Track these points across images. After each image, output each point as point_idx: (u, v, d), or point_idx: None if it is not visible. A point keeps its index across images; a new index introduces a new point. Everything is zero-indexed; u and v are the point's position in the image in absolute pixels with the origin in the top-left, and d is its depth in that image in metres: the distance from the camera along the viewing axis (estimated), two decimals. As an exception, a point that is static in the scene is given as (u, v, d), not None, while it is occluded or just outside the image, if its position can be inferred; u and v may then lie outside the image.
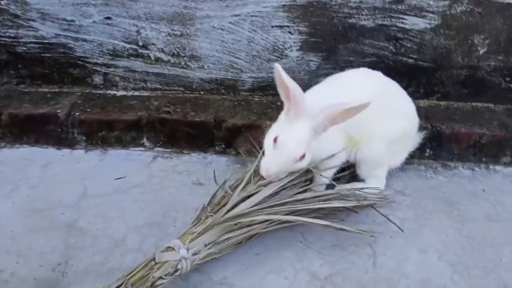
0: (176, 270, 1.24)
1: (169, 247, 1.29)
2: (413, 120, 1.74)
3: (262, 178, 1.43)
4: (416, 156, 1.91)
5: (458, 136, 1.91)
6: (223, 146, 1.95)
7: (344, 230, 1.41)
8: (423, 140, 1.85)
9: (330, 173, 1.60)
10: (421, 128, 1.81)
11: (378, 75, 1.70)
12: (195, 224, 1.38)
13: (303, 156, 1.41)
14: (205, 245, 1.31)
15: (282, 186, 1.44)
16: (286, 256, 1.44)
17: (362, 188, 1.61)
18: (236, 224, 1.34)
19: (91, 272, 1.35)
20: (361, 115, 1.44)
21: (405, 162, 1.81)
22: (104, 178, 1.76)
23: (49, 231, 1.49)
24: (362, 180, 1.70)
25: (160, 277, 1.20)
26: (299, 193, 1.49)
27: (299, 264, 1.42)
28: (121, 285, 1.17)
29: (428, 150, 1.94)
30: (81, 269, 1.35)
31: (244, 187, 1.43)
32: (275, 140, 1.41)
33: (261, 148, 1.50)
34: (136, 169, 1.82)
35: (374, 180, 1.69)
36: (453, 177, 1.88)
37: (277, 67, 1.39)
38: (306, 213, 1.45)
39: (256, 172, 1.46)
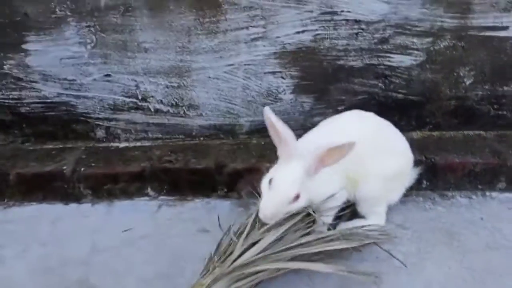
0: None
1: None
2: (408, 157, 1.80)
3: (264, 223, 1.49)
4: (414, 188, 1.96)
5: (453, 166, 1.97)
6: (225, 190, 2.00)
7: (350, 273, 1.45)
8: (419, 172, 1.91)
9: (332, 213, 1.65)
10: (416, 163, 1.87)
11: (371, 116, 1.77)
12: (204, 275, 1.41)
13: (297, 197, 1.45)
14: None
15: (286, 230, 1.48)
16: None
17: (363, 226, 1.66)
18: (242, 274, 1.38)
19: (105, 330, 1.39)
20: (356, 156, 1.51)
21: (404, 194, 1.85)
22: (112, 231, 1.80)
23: (63, 289, 1.54)
24: (363, 217, 1.75)
25: None
26: (302, 236, 1.53)
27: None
28: None
29: (424, 182, 1.98)
30: (95, 327, 1.39)
31: (248, 234, 1.48)
32: (270, 182, 1.47)
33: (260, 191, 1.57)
34: (142, 219, 1.87)
35: (374, 217, 1.73)
36: (451, 206, 1.92)
37: (266, 111, 1.48)
38: (311, 255, 1.49)
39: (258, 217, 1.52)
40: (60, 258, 1.67)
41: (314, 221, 1.61)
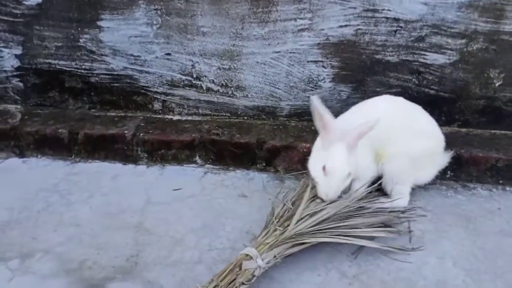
0: (253, 277, 1.46)
1: (247, 255, 1.49)
2: (437, 139, 1.97)
3: (312, 193, 1.73)
4: (438, 177, 2.12)
5: (476, 159, 2.11)
6: (264, 164, 2.22)
7: (387, 250, 1.67)
8: (453, 155, 2.06)
9: (365, 184, 1.83)
10: (448, 148, 2.03)
11: (400, 100, 1.96)
12: (265, 234, 1.60)
13: (349, 174, 1.69)
14: (274, 256, 1.53)
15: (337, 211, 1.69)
16: (319, 258, 1.68)
17: (387, 204, 1.85)
18: (300, 240, 1.58)
19: (157, 264, 1.63)
20: (383, 133, 1.74)
21: (428, 182, 2.03)
22: (164, 189, 2.06)
23: (122, 230, 1.80)
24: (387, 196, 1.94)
25: (242, 283, 1.43)
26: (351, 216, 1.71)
27: (330, 265, 1.65)
28: (215, 286, 1.40)
29: (449, 172, 2.13)
30: (150, 261, 1.64)
31: (305, 205, 1.69)
32: (323, 168, 1.68)
33: (299, 166, 1.78)
34: (190, 182, 2.12)
35: (397, 195, 1.90)
36: (471, 196, 2.07)
37: (314, 100, 1.69)
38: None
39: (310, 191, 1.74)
40: (119, 206, 1.95)
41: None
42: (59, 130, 2.27)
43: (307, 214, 1.64)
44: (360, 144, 1.71)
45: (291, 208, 1.68)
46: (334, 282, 1.58)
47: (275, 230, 1.59)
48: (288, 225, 1.59)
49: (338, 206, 1.67)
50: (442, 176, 2.12)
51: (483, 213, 1.95)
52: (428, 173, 1.99)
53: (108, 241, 1.74)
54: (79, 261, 1.65)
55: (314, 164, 1.74)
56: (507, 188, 2.12)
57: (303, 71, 2.29)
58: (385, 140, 1.82)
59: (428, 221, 1.89)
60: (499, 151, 2.14)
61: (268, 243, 1.54)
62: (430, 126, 1.96)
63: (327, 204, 1.69)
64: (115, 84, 2.42)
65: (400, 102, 1.96)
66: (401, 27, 2.14)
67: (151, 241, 1.74)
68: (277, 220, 1.64)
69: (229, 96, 2.39)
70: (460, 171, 2.14)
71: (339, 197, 1.73)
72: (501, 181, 2.13)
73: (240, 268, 1.44)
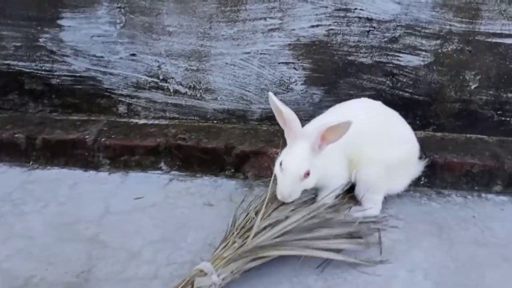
0: None
1: (201, 270, 1.40)
2: (413, 146, 1.89)
3: (278, 203, 1.61)
4: (412, 184, 2.04)
5: (451, 165, 2.05)
6: (233, 170, 2.13)
7: (354, 263, 1.58)
8: (427, 164, 1.98)
9: (333, 194, 1.73)
10: (421, 157, 1.96)
11: (377, 104, 1.88)
12: (223, 247, 1.50)
13: (307, 174, 1.57)
14: (232, 272, 1.44)
15: (300, 218, 1.58)
16: (284, 271, 1.58)
17: (358, 213, 1.76)
18: (259, 254, 1.49)
19: (110, 280, 1.52)
20: (359, 139, 1.65)
21: (401, 191, 1.95)
22: (125, 198, 1.95)
23: (75, 242, 1.69)
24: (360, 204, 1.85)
25: None
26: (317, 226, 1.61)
27: (295, 279, 1.56)
28: None
29: (423, 178, 2.06)
30: (101, 277, 1.53)
31: (265, 214, 1.58)
32: (281, 164, 1.59)
33: (269, 173, 1.69)
34: (153, 190, 2.01)
35: (369, 204, 1.83)
36: (446, 204, 2.00)
37: (271, 95, 1.60)
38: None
39: (273, 197, 1.63)
40: (75, 217, 1.83)
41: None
42: (16, 135, 2.14)
43: (269, 225, 1.54)
44: (331, 149, 1.62)
45: (254, 217, 1.59)
46: (298, 298, 1.49)
47: (234, 242, 1.50)
48: (248, 237, 1.50)
49: (303, 215, 1.58)
50: (416, 182, 2.05)
51: (457, 222, 1.88)
52: (402, 182, 1.91)
53: (59, 255, 1.63)
54: (25, 277, 1.53)
55: (276, 162, 1.65)
56: (483, 195, 2.05)
57: (274, 73, 2.20)
58: (360, 146, 1.73)
59: (400, 231, 1.81)
60: (474, 156, 2.07)
61: (225, 257, 1.44)
62: (406, 133, 1.88)
63: (291, 211, 1.59)
64: (78, 86, 2.31)
65: (377, 107, 1.87)
66: (374, 27, 2.06)
67: (105, 255, 1.63)
68: (237, 231, 1.55)
69: (198, 99, 2.29)
70: (434, 177, 2.07)
71: (306, 201, 1.64)
72: (476, 188, 2.06)
73: (193, 285, 1.35)
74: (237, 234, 1.53)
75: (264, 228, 1.53)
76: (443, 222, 1.87)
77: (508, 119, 2.19)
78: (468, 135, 2.24)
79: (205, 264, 1.41)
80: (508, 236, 1.79)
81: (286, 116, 1.59)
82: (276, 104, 1.60)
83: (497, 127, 2.21)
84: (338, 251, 1.58)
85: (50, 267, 1.57)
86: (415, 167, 1.94)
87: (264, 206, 1.59)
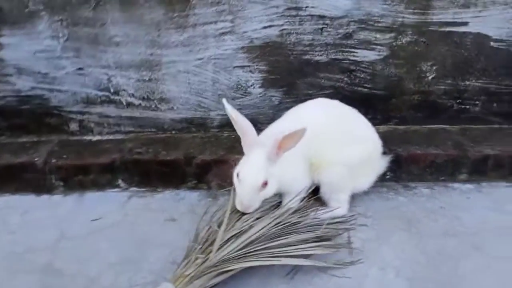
0: None
1: None
2: (374, 143, 1.85)
3: (241, 213, 1.55)
4: (378, 179, 2.01)
5: (415, 157, 2.03)
6: (195, 182, 2.04)
7: (324, 266, 1.54)
8: (391, 159, 1.95)
9: (297, 198, 1.67)
10: (386, 152, 1.93)
11: (335, 104, 1.83)
12: (185, 265, 1.43)
13: (265, 184, 1.52)
14: None
15: (264, 226, 1.52)
16: (252, 283, 1.51)
17: (325, 215, 1.71)
18: (224, 268, 1.41)
19: (66, 311, 1.42)
20: (319, 141, 1.61)
21: (366, 189, 1.91)
22: (81, 220, 1.84)
23: (27, 273, 1.57)
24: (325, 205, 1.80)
25: None
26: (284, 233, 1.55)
27: (263, 288, 1.50)
28: None
29: (388, 173, 2.04)
30: (56, 309, 1.43)
31: (226, 225, 1.51)
32: (237, 175, 1.53)
33: (230, 181, 1.61)
34: (111, 209, 1.91)
35: (336, 204, 1.78)
36: (413, 196, 1.97)
37: (224, 102, 1.55)
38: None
39: (235, 208, 1.56)
40: (27, 245, 1.71)
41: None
42: (-41, 163, 2.00)
43: (233, 236, 1.47)
44: (290, 155, 1.56)
45: (216, 230, 1.51)
46: (268, 310, 1.42)
47: (196, 258, 1.42)
48: (211, 251, 1.42)
49: (268, 222, 1.52)
50: (382, 177, 2.01)
51: (426, 214, 1.86)
52: (367, 179, 1.87)
53: (10, 287, 1.51)
54: (-28, 317, 1.41)
55: (234, 171, 1.59)
56: (449, 185, 2.04)
57: (230, 78, 2.13)
58: (320, 148, 1.68)
59: (369, 229, 1.78)
60: (437, 146, 2.06)
61: (188, 275, 1.36)
62: (366, 131, 1.84)
63: (256, 219, 1.53)
64: (24, 107, 2.18)
65: (334, 106, 1.83)
66: (327, 24, 2.02)
67: (62, 284, 1.53)
68: (200, 246, 1.47)
69: (153, 110, 2.20)
70: (400, 171, 2.05)
71: (270, 207, 1.59)
72: (441, 178, 2.05)
73: None
74: (199, 249, 1.45)
75: (228, 240, 1.46)
76: (412, 215, 1.85)
77: (467, 107, 2.19)
78: (430, 126, 2.23)
79: (166, 284, 1.33)
80: (477, 224, 1.78)
81: (239, 124, 1.54)
82: (229, 112, 1.54)
83: (458, 115, 2.21)
84: (306, 256, 1.52)
85: (-1, 303, 1.46)
86: (379, 163, 1.90)
87: (226, 217, 1.52)
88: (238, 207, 1.53)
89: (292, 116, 1.81)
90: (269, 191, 1.55)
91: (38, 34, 2.05)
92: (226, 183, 2.01)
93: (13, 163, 2.01)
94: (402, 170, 2.04)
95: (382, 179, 2.02)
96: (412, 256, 1.63)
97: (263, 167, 1.52)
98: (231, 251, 1.43)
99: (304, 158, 1.69)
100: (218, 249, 1.42)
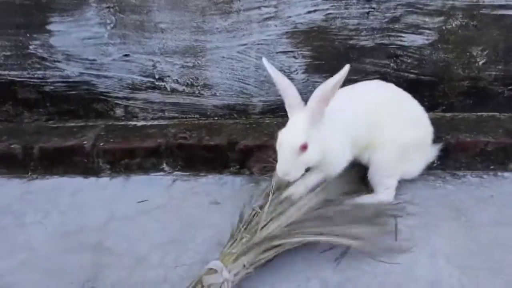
0: None
1: (211, 269, 1.33)
2: (427, 129, 1.80)
3: (284, 194, 1.53)
4: (425, 167, 1.97)
5: (464, 145, 1.96)
6: (237, 167, 2.05)
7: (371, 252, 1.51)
8: (441, 148, 1.90)
9: (335, 173, 1.62)
10: (436, 139, 1.88)
11: (390, 86, 1.79)
12: (231, 244, 1.43)
13: (304, 147, 1.44)
14: (244, 266, 1.37)
15: (306, 204, 1.52)
16: (298, 266, 1.51)
17: (371, 199, 1.69)
18: (269, 245, 1.42)
19: (117, 286, 1.46)
20: (374, 119, 1.58)
21: (415, 176, 1.87)
22: (128, 202, 1.88)
23: (79, 251, 1.62)
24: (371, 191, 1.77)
25: None
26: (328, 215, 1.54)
27: (311, 273, 1.49)
28: None
29: (436, 160, 1.98)
30: (108, 284, 1.47)
31: (270, 205, 1.51)
32: (277, 139, 1.49)
33: (272, 167, 1.60)
34: (157, 192, 1.94)
35: (383, 190, 1.75)
36: (461, 185, 1.92)
37: (264, 62, 1.52)
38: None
39: (278, 188, 1.56)
40: (78, 225, 1.77)
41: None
42: (12, 146, 2.08)
43: (278, 214, 1.46)
44: (336, 124, 1.52)
45: (259, 212, 1.51)
46: (315, 293, 1.42)
47: (242, 238, 1.42)
48: (257, 231, 1.42)
49: (313, 202, 1.51)
50: (429, 165, 1.96)
51: (475, 203, 1.80)
52: (416, 166, 1.82)
53: (63, 264, 1.56)
54: (29, 290, 1.47)
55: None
56: (499, 174, 1.97)
57: (273, 63, 2.08)
58: (374, 127, 1.64)
59: (417, 216, 1.73)
60: (487, 134, 1.99)
61: (234, 253, 1.37)
62: (421, 116, 1.80)
63: (299, 199, 1.52)
64: (72, 92, 2.24)
65: (391, 88, 1.78)
66: (373, 8, 1.98)
67: (111, 262, 1.56)
68: (244, 227, 1.47)
69: (196, 96, 2.22)
70: (447, 158, 1.98)
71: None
72: (492, 167, 1.98)
73: (203, 285, 1.27)
74: (244, 229, 1.46)
75: (272, 219, 1.45)
76: (460, 204, 1.79)
77: (519, 93, 2.11)
78: (479, 113, 2.15)
79: (214, 262, 1.34)
80: (529, 213, 1.72)
81: (280, 85, 1.50)
82: (270, 72, 1.51)
83: (509, 103, 2.12)
84: (353, 239, 1.50)
85: (55, 278, 1.51)
86: (429, 151, 1.85)
87: (270, 198, 1.51)
88: (278, 174, 1.46)
89: (345, 93, 1.69)
90: (310, 156, 1.46)
91: (86, 21, 2.09)
92: (268, 168, 2.01)
93: (63, 146, 2.07)
94: (450, 158, 1.98)
95: (429, 167, 1.96)
96: (462, 244, 1.58)
97: (303, 129, 1.45)
98: (276, 228, 1.43)
99: (350, 135, 1.61)
100: (263, 227, 1.42)
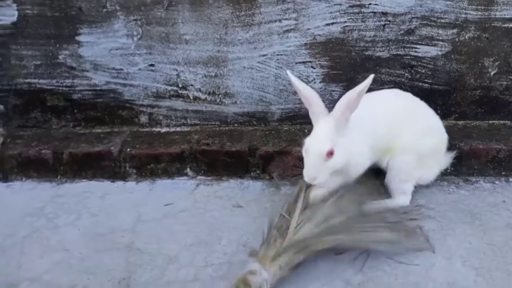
0: None
1: (250, 271, 1.40)
2: (443, 137, 1.90)
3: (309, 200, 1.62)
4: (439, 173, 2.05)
5: (477, 152, 2.04)
6: (258, 172, 2.14)
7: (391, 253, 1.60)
8: (456, 155, 1.99)
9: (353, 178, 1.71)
10: (450, 147, 1.97)
11: (408, 95, 1.89)
12: (265, 247, 1.51)
13: (331, 153, 1.52)
14: (280, 267, 1.44)
15: (332, 209, 1.59)
16: (322, 267, 1.59)
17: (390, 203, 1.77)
18: (302, 247, 1.50)
19: (151, 284, 1.54)
20: (393, 127, 1.68)
21: (430, 182, 1.95)
22: (154, 205, 1.97)
23: (112, 251, 1.71)
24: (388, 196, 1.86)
25: None
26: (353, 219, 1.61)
27: (334, 274, 1.57)
28: None
29: (449, 167, 2.06)
30: (142, 283, 1.55)
31: (300, 210, 1.60)
32: (303, 145, 1.57)
33: (292, 172, 1.69)
34: (181, 196, 2.03)
35: (400, 195, 1.83)
36: (474, 190, 2.00)
37: (289, 74, 1.61)
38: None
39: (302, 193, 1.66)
40: (108, 226, 1.85)
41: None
42: (43, 151, 2.18)
43: (307, 219, 1.55)
44: (359, 129, 1.61)
45: (288, 218, 1.60)
46: (338, 292, 1.50)
47: (275, 240, 1.50)
48: (288, 234, 1.51)
49: (338, 207, 1.59)
50: (442, 171, 2.05)
51: (488, 207, 1.88)
52: (432, 172, 1.91)
53: (98, 264, 1.65)
54: (68, 286, 1.55)
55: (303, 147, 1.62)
56: (510, 180, 2.05)
57: (292, 73, 2.21)
58: (394, 133, 1.73)
59: (432, 220, 1.81)
60: (499, 141, 2.07)
61: (270, 255, 1.45)
62: (437, 124, 1.89)
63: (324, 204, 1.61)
64: (99, 100, 2.34)
65: (408, 96, 1.88)
66: (389, 21, 2.08)
67: (143, 261, 1.65)
68: (275, 231, 1.55)
69: (218, 104, 2.31)
70: (460, 165, 2.07)
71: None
72: (503, 173, 2.06)
73: (245, 285, 1.36)
74: (276, 233, 1.54)
75: (301, 222, 1.54)
76: (474, 208, 1.87)
77: (529, 103, 2.19)
78: (490, 122, 2.24)
79: (253, 264, 1.42)
80: (541, 218, 1.79)
81: (304, 93, 1.59)
82: (294, 83, 1.59)
83: (519, 111, 2.21)
84: (376, 241, 1.58)
85: (91, 276, 1.59)
86: (444, 158, 1.94)
87: (299, 204, 1.60)
88: (305, 179, 1.53)
89: (367, 102, 1.70)
90: (336, 161, 1.55)
91: (114, 32, 2.20)
92: (288, 174, 2.10)
93: (91, 152, 2.16)
94: (462, 164, 2.06)
95: (442, 173, 2.05)
96: (478, 246, 1.66)
97: (329, 136, 1.53)
98: (307, 231, 1.51)
99: (372, 138, 1.69)
100: (294, 230, 1.50)
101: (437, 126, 1.87)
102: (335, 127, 1.56)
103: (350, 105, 1.56)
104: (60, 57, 2.27)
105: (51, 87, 2.33)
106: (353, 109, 1.57)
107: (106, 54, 2.24)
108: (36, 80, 2.33)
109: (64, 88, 2.33)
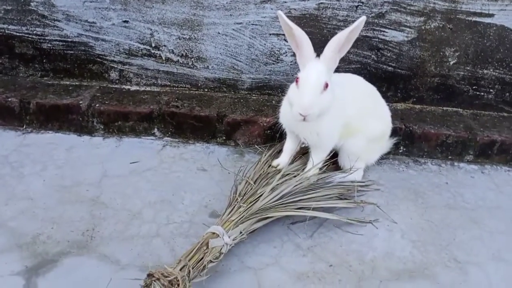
0: (220, 254, 1.46)
1: (213, 233, 1.48)
2: (389, 123, 2.03)
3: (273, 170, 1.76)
4: (391, 152, 2.20)
5: (428, 135, 2.20)
6: (224, 138, 2.22)
7: (348, 221, 1.75)
8: (396, 141, 2.15)
9: (324, 155, 1.85)
10: (395, 131, 2.11)
11: (364, 80, 1.98)
12: (229, 212, 1.60)
13: (327, 86, 1.56)
14: (240, 233, 1.54)
15: (298, 184, 1.72)
16: (276, 231, 1.72)
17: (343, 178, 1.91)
18: (263, 216, 1.61)
19: (114, 238, 1.63)
20: (356, 106, 1.78)
21: (381, 157, 2.11)
22: (121, 162, 2.03)
23: (77, 204, 1.77)
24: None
25: (210, 261, 1.42)
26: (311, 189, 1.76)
27: (286, 237, 1.70)
28: (184, 266, 1.36)
29: (401, 147, 2.22)
30: (106, 235, 1.63)
31: (262, 179, 1.73)
32: (296, 81, 1.59)
33: (259, 141, 1.78)
34: (148, 155, 2.10)
35: (353, 171, 1.97)
36: (422, 171, 2.16)
37: (280, 13, 1.57)
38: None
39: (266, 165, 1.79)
40: (74, 179, 1.91)
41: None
42: (9, 99, 2.16)
43: (271, 189, 1.66)
44: (333, 114, 1.66)
45: (253, 184, 1.70)
46: (288, 254, 1.63)
47: (240, 207, 1.61)
48: (252, 202, 1.61)
49: (298, 179, 1.71)
50: (395, 151, 2.21)
51: (432, 188, 2.05)
52: (374, 156, 2.06)
53: (62, 215, 1.71)
54: (33, 235, 1.61)
55: (286, 97, 1.67)
56: (455, 164, 2.23)
57: (265, 44, 2.27)
58: (355, 114, 1.82)
59: (380, 195, 1.97)
60: (449, 127, 2.23)
61: (233, 220, 1.55)
62: (386, 111, 2.02)
63: (286, 176, 1.73)
64: (69, 52, 2.32)
65: (365, 82, 1.98)
66: (363, 2, 2.15)
67: (108, 215, 1.73)
68: (240, 197, 1.66)
69: (189, 67, 2.35)
70: (412, 146, 2.22)
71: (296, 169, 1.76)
72: (450, 157, 2.23)
73: (207, 247, 1.44)
74: (240, 199, 1.64)
75: (264, 192, 1.65)
76: (419, 188, 2.04)
77: (482, 93, 2.35)
78: (445, 108, 2.39)
79: (216, 227, 1.51)
80: (477, 201, 1.98)
81: (297, 36, 1.57)
82: (287, 22, 1.56)
83: (472, 101, 2.37)
84: (329, 210, 1.72)
85: (55, 226, 1.66)
86: (386, 143, 2.09)
87: (262, 172, 1.71)
88: (299, 110, 1.53)
89: (339, 79, 1.79)
90: (328, 97, 1.57)
91: (89, -16, 2.16)
92: (253, 142, 2.20)
93: (59, 104, 2.17)
94: (414, 145, 2.22)
95: (395, 153, 2.21)
96: (417, 222, 1.83)
97: (324, 71, 1.57)
98: (269, 201, 1.62)
99: (343, 120, 1.79)
100: (257, 199, 1.61)
101: (386, 113, 2.00)
102: (326, 67, 1.59)
103: (339, 46, 1.58)
104: (32, 4, 2.22)
105: (21, 34, 2.29)
106: (343, 51, 1.60)
107: (80, 5, 2.21)
108: (5, 26, 2.27)
109: (34, 37, 2.29)
